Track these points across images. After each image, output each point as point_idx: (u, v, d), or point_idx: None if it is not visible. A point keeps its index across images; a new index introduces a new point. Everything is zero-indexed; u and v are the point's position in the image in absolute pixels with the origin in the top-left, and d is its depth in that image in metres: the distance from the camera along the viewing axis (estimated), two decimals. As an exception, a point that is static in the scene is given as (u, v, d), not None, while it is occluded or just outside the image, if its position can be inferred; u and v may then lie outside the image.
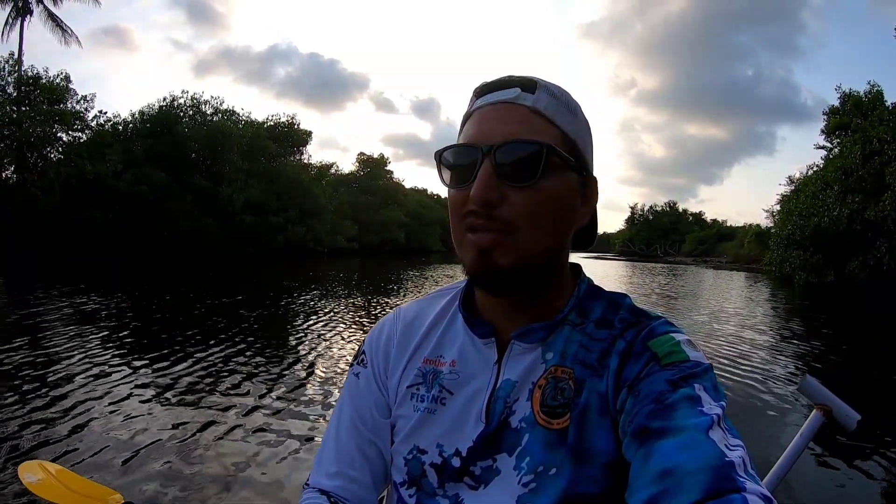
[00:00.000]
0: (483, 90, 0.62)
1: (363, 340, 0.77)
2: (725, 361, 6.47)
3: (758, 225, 47.67)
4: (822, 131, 26.67)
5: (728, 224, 75.08)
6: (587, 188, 0.63)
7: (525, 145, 0.57)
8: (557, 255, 0.62)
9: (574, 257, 0.70)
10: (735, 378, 5.67)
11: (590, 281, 0.68)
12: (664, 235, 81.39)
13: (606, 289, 0.69)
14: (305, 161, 37.57)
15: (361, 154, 50.06)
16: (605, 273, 26.65)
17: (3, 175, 18.75)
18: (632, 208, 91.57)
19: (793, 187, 26.95)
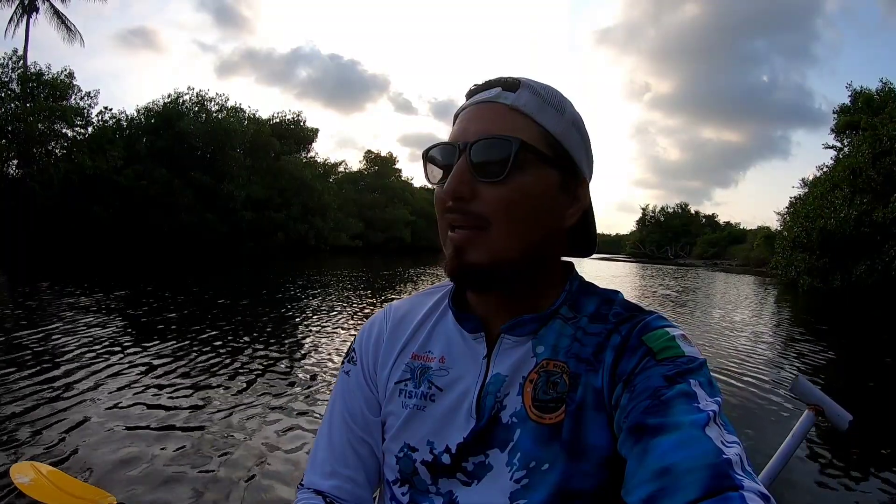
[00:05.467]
0: (471, 92, 0.64)
1: (355, 338, 0.77)
2: (720, 361, 6.43)
3: (767, 227, 47.11)
4: (832, 130, 25.94)
5: (741, 227, 74.08)
6: (576, 188, 0.63)
7: (496, 141, 0.57)
8: (539, 253, 0.61)
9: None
10: (729, 378, 5.62)
11: (581, 278, 0.68)
12: (675, 237, 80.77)
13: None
14: (312, 158, 37.58)
15: (369, 152, 49.87)
16: (611, 275, 26.55)
17: (6, 170, 18.87)
18: (643, 210, 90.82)
19: (805, 190, 26.40)
